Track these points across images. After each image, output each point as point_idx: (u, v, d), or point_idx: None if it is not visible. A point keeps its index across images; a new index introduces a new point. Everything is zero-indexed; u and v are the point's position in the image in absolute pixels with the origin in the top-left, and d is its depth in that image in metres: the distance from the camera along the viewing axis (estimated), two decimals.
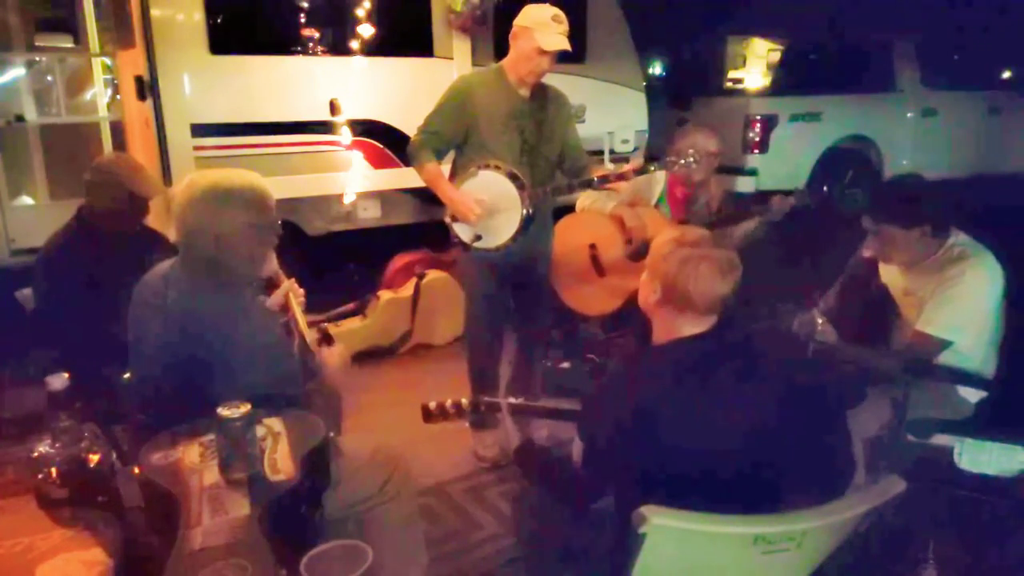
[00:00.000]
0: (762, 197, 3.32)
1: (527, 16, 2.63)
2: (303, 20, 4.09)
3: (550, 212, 2.97)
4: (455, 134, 2.73)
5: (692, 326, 1.51)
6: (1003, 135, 7.43)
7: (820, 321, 2.22)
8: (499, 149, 2.70)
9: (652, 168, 2.76)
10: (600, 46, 5.11)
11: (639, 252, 3.04)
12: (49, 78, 5.10)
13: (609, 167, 2.79)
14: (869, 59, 6.73)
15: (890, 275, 2.36)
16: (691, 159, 2.76)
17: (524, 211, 2.70)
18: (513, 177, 2.69)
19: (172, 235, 1.71)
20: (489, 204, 2.68)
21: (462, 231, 2.74)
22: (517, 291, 3.01)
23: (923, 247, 2.17)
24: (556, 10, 2.62)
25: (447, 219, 2.77)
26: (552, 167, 2.86)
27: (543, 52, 2.58)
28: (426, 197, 4.31)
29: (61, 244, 2.46)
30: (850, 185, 6.65)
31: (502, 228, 2.72)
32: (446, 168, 2.83)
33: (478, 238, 2.72)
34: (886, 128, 6.72)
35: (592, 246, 3.27)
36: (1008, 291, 2.14)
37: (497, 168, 2.69)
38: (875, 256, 2.35)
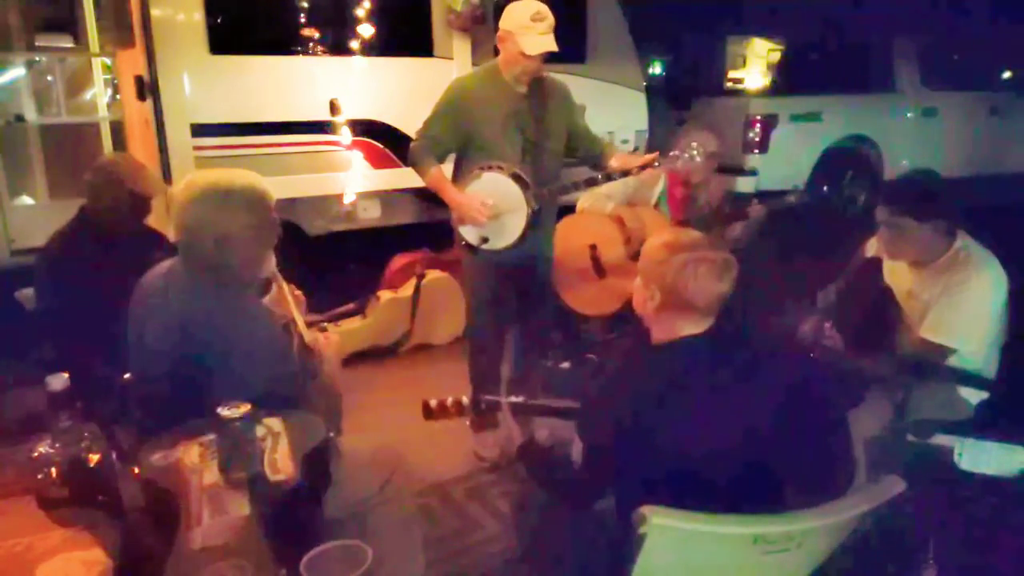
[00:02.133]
0: (762, 197, 3.33)
1: (508, 19, 2.59)
2: (303, 20, 4.09)
3: (554, 213, 2.96)
4: (454, 138, 2.72)
5: (692, 326, 1.51)
6: (1003, 135, 7.42)
7: (827, 326, 2.21)
8: (501, 149, 2.70)
9: (657, 164, 2.75)
10: (600, 46, 5.11)
11: (639, 252, 3.05)
12: (49, 78, 5.09)
13: (618, 162, 2.78)
14: (869, 59, 6.73)
15: (894, 277, 2.36)
16: (694, 152, 2.76)
17: (529, 210, 2.70)
18: (516, 178, 2.68)
19: (171, 235, 1.70)
20: (495, 205, 2.68)
21: (468, 233, 2.74)
22: (519, 292, 3.01)
23: (933, 245, 2.16)
24: (538, 7, 2.55)
25: (454, 222, 2.77)
26: (558, 161, 2.84)
27: (527, 56, 2.56)
28: (426, 197, 4.31)
29: (62, 244, 2.46)
30: (850, 185, 6.66)
31: (509, 229, 2.72)
32: (448, 169, 2.83)
33: (485, 240, 2.72)
34: (886, 128, 6.72)
35: (592, 247, 3.27)
36: (1010, 292, 2.14)
37: (500, 169, 2.68)
38: (880, 255, 2.35)
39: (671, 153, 2.80)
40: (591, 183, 2.78)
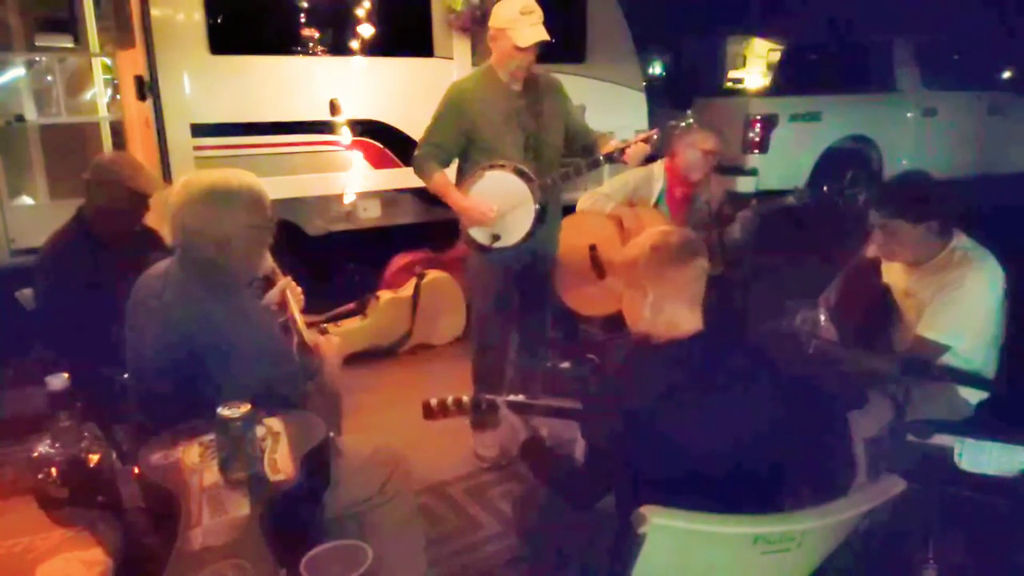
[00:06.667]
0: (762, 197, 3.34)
1: (498, 17, 2.65)
2: (303, 20, 4.08)
3: (559, 210, 2.98)
4: (457, 143, 2.75)
5: (689, 318, 1.51)
6: (1003, 135, 7.42)
7: (823, 318, 2.22)
8: (503, 148, 2.72)
9: (656, 136, 2.78)
10: (600, 46, 5.11)
11: None
12: (49, 78, 5.08)
13: (614, 143, 2.81)
14: (869, 59, 6.73)
15: (891, 276, 2.36)
16: (691, 119, 2.78)
17: (536, 204, 2.72)
18: (520, 172, 2.70)
19: (168, 236, 1.70)
20: (501, 204, 2.70)
21: (479, 234, 2.77)
22: (521, 291, 3.02)
23: (927, 245, 2.17)
24: (524, 0, 2.60)
25: (462, 224, 2.79)
26: (558, 155, 2.86)
27: (522, 49, 2.59)
28: (426, 197, 4.30)
29: (61, 244, 2.46)
30: (850, 185, 6.66)
31: (518, 224, 2.74)
32: (452, 171, 2.84)
33: (496, 238, 2.75)
34: (886, 128, 6.72)
35: (592, 247, 3.27)
36: (1009, 292, 2.14)
37: (503, 167, 2.70)
38: (878, 256, 2.35)
39: (669, 123, 2.82)
40: (594, 165, 2.79)
